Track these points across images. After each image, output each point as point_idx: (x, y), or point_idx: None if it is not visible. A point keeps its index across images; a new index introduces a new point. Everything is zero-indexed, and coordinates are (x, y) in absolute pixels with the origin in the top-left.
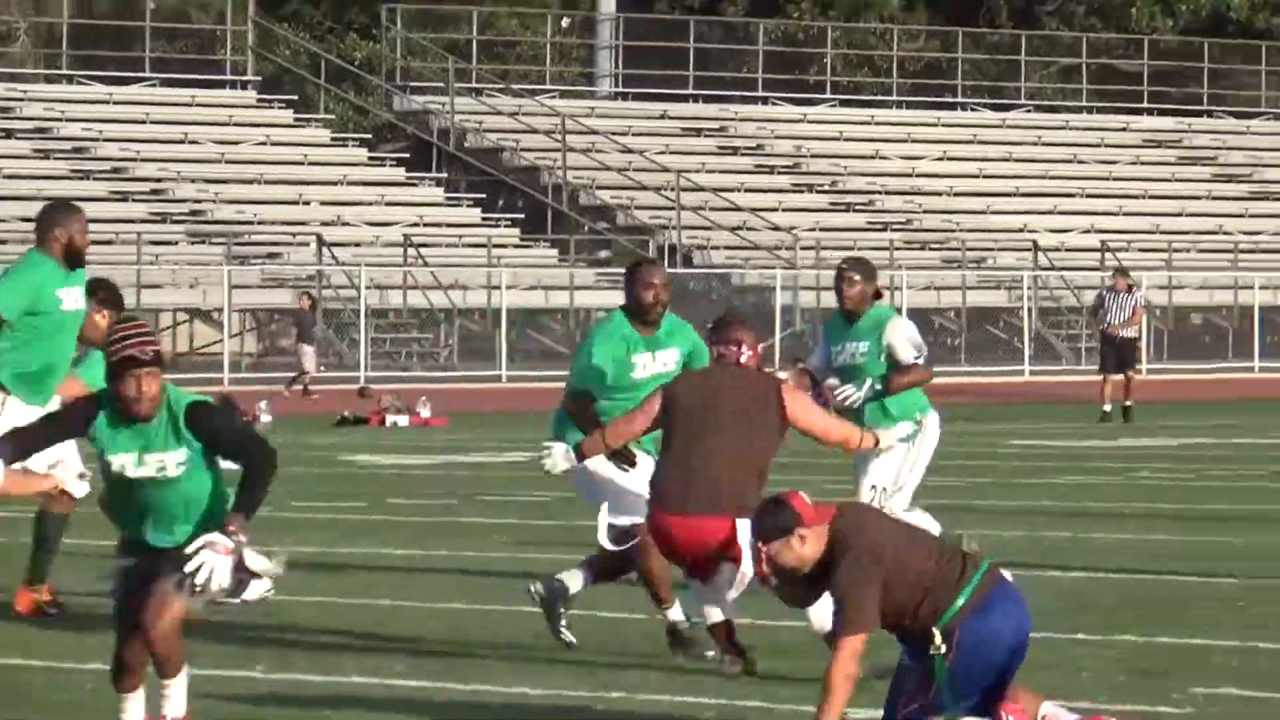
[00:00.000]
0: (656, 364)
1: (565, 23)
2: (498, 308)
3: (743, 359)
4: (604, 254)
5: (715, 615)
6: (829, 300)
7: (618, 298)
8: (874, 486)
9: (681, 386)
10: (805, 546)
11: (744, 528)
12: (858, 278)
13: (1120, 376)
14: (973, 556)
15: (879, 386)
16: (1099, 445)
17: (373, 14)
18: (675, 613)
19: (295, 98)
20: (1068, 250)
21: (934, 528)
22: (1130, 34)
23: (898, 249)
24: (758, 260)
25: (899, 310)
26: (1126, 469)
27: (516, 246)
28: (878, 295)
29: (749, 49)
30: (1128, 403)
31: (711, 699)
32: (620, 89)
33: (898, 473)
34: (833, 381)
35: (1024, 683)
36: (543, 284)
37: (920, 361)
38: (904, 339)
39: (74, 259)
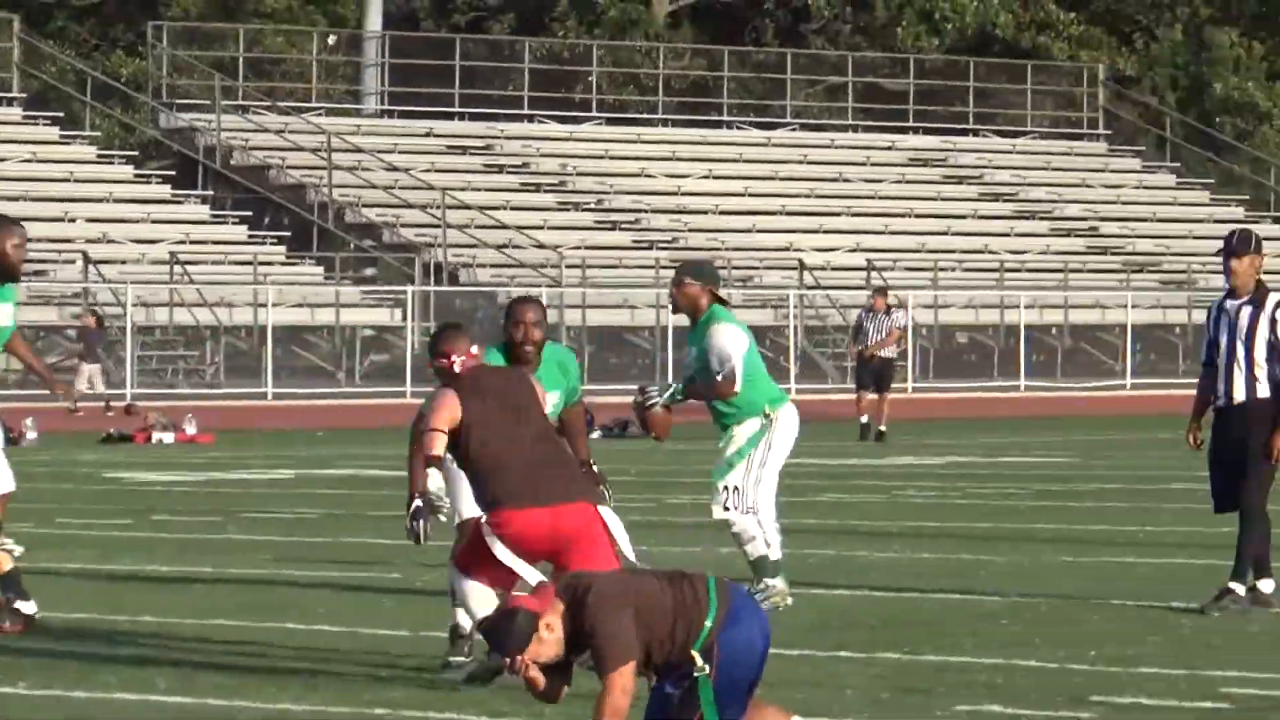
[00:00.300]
0: None
1: (331, 40)
2: (264, 325)
3: (455, 368)
4: (370, 271)
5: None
6: (594, 317)
7: (383, 315)
8: (725, 488)
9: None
10: (553, 632)
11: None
12: (688, 280)
13: (874, 396)
14: (695, 574)
15: (679, 395)
16: (863, 464)
17: (139, 31)
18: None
19: (61, 114)
20: (834, 269)
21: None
22: (896, 53)
23: (663, 267)
24: (523, 278)
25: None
26: (891, 487)
27: (282, 264)
28: (715, 299)
29: (515, 67)
30: (882, 427)
31: (474, 715)
32: (386, 106)
33: (746, 471)
34: (646, 384)
35: (784, 700)
36: (308, 301)
37: (720, 375)
38: (715, 347)
39: (6, 273)
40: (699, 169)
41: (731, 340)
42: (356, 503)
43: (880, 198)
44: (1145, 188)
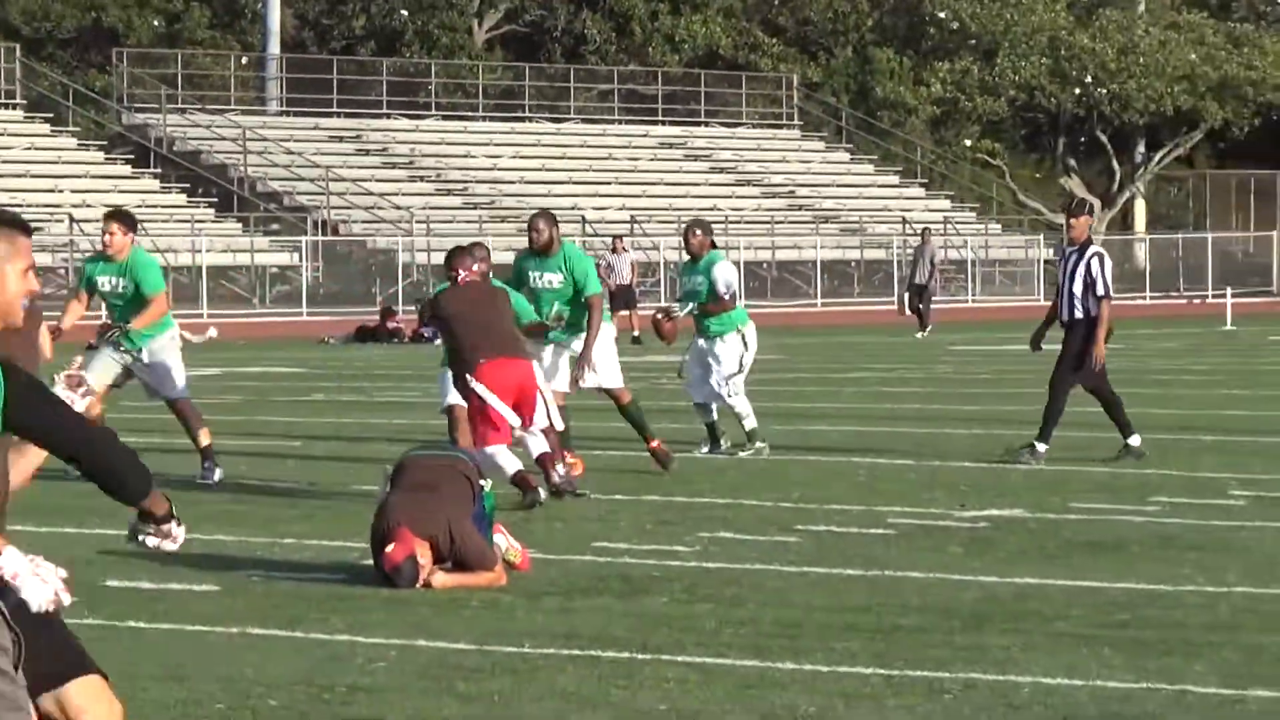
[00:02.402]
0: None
1: (244, 61)
2: (200, 265)
3: (458, 279)
4: (274, 226)
5: (538, 448)
6: (435, 259)
7: (284, 258)
8: (725, 381)
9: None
10: (426, 557)
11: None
12: (699, 232)
13: (626, 313)
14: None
15: (696, 311)
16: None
17: (106, 55)
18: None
19: (51, 115)
20: (606, 223)
21: (749, 411)
22: (649, 66)
23: (485, 223)
24: (385, 231)
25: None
26: (655, 376)
27: (212, 222)
28: (713, 245)
29: (376, 79)
30: (636, 334)
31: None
32: (284, 108)
33: (737, 370)
34: (673, 305)
35: (578, 532)
36: (231, 248)
37: (726, 296)
38: (722, 277)
39: None
40: (509, 151)
41: (732, 272)
42: (266, 391)
43: (639, 171)
44: (828, 163)
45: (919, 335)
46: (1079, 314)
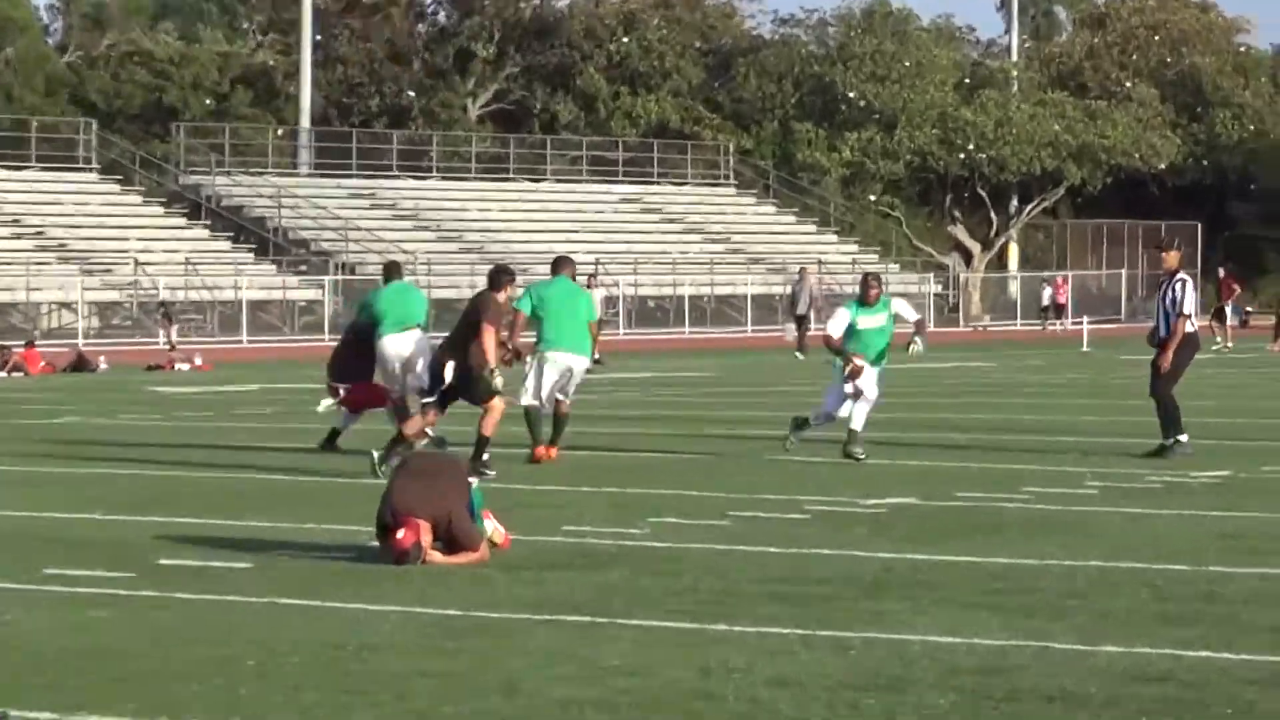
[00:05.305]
0: None
1: (280, 132)
2: (241, 299)
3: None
4: (303, 267)
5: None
6: (437, 294)
7: (311, 294)
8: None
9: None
10: (426, 535)
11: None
12: (876, 283)
13: None
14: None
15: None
16: (598, 377)
17: (166, 127)
18: None
19: (120, 178)
20: (577, 264)
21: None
22: (611, 135)
23: (475, 265)
24: None
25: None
26: (607, 388)
27: (252, 264)
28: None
29: (387, 147)
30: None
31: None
32: (312, 171)
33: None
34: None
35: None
36: (267, 286)
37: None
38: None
39: None
40: (497, 206)
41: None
42: (293, 405)
43: (603, 222)
44: (758, 214)
45: (799, 356)
46: (1163, 332)
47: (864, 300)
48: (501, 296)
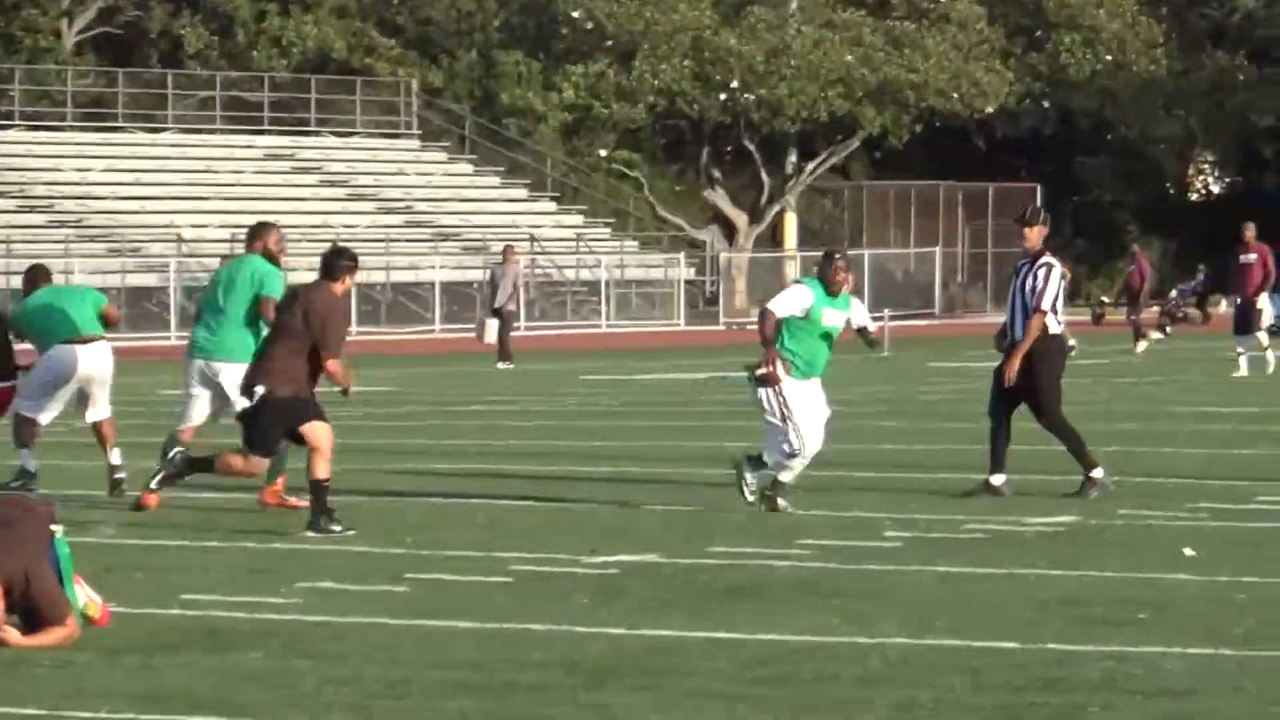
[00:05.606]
0: None
1: None
2: None
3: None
4: None
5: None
6: (16, 283)
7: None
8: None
9: None
10: None
11: None
12: (845, 268)
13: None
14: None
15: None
16: None
17: None
18: None
19: None
20: (205, 242)
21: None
22: (253, 71)
23: (71, 243)
24: None
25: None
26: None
27: None
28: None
29: None
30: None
31: None
32: None
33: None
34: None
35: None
36: None
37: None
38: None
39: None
40: (99, 164)
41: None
42: None
43: (242, 185)
44: (449, 175)
45: (500, 366)
46: (1018, 332)
47: (828, 288)
48: (339, 289)
